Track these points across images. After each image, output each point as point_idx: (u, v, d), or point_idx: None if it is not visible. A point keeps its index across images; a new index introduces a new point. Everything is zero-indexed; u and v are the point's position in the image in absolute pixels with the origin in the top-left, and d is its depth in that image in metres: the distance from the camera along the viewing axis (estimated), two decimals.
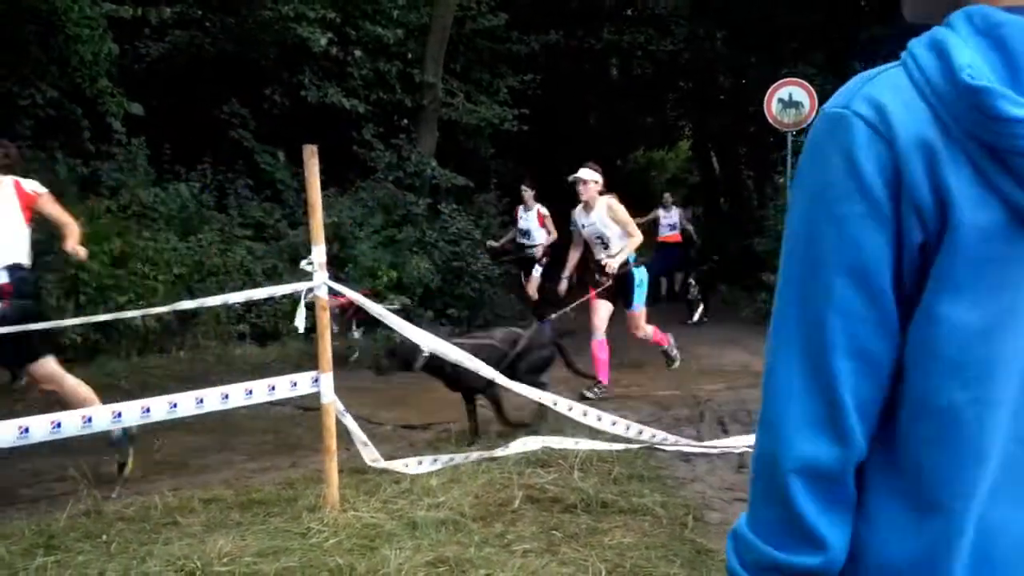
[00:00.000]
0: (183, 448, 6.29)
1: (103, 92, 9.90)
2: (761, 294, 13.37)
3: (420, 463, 5.04)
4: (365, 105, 13.71)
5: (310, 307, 4.37)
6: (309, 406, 6.78)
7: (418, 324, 11.45)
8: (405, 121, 14.49)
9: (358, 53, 13.66)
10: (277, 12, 12.43)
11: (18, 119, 9.94)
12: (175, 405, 3.91)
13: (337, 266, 11.05)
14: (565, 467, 4.98)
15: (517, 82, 16.39)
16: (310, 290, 4.25)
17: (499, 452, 5.17)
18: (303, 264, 4.25)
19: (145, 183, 10.94)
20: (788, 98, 14.23)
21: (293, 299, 4.66)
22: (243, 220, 11.90)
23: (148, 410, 3.83)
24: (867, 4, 18.65)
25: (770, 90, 14.42)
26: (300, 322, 4.33)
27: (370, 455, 4.99)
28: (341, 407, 4.54)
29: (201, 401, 4.00)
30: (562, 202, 21.92)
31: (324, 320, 4.23)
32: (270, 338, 10.57)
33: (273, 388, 4.21)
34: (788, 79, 14.71)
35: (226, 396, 4.08)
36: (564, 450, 5.27)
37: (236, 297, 4.66)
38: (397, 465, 5.01)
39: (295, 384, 4.27)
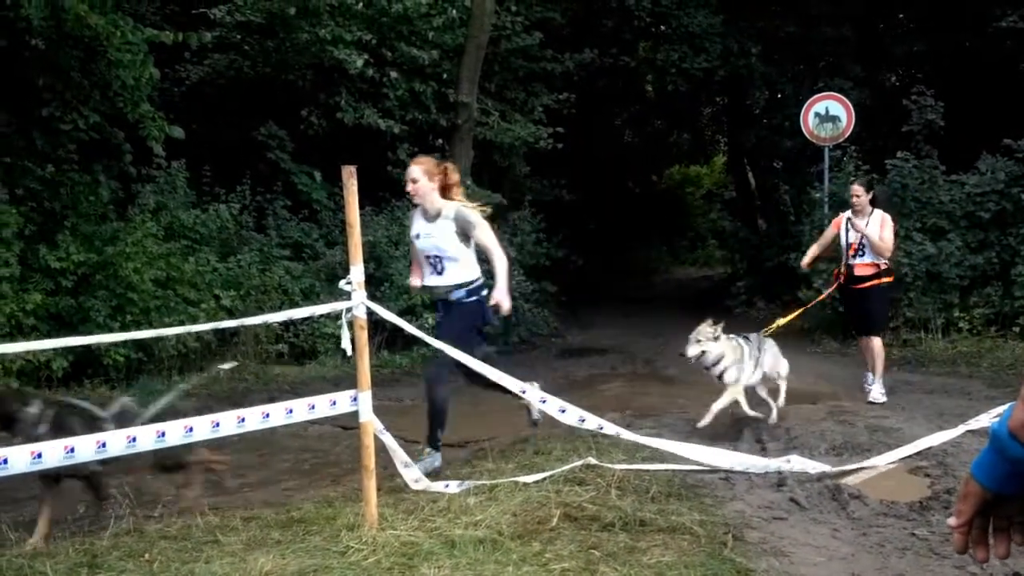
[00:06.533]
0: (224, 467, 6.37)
1: (144, 116, 10.06)
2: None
3: (461, 484, 5.05)
4: (400, 125, 13.82)
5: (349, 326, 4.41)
6: (347, 425, 6.84)
7: None
8: (440, 141, 14.58)
9: (394, 74, 13.78)
10: (314, 35, 12.61)
11: (61, 143, 10.14)
12: (217, 424, 3.96)
13: (373, 285, 11.13)
14: (603, 485, 4.95)
15: (552, 100, 16.42)
16: (349, 310, 4.28)
17: (535, 477, 5.15)
18: (342, 284, 4.28)
19: (185, 205, 11.10)
20: (825, 112, 14.12)
21: (332, 318, 4.70)
22: (281, 240, 12.03)
23: (191, 429, 3.89)
24: (904, 17, 18.54)
25: (807, 104, 14.33)
26: (347, 344, 4.34)
27: (412, 475, 5.01)
28: (380, 426, 4.57)
29: (243, 420, 4.04)
30: (596, 218, 21.98)
31: (363, 339, 4.26)
32: (308, 357, 10.68)
33: (313, 407, 4.24)
34: (825, 93, 14.61)
35: (267, 415, 4.12)
36: (601, 468, 5.25)
37: (277, 317, 4.71)
38: (438, 486, 5.03)
39: (334, 403, 4.30)
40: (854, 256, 8.39)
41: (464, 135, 14.58)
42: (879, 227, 8.28)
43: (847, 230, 8.50)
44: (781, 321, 8.25)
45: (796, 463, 5.49)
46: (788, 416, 7.40)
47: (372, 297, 4.59)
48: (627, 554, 4.03)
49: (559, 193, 18.26)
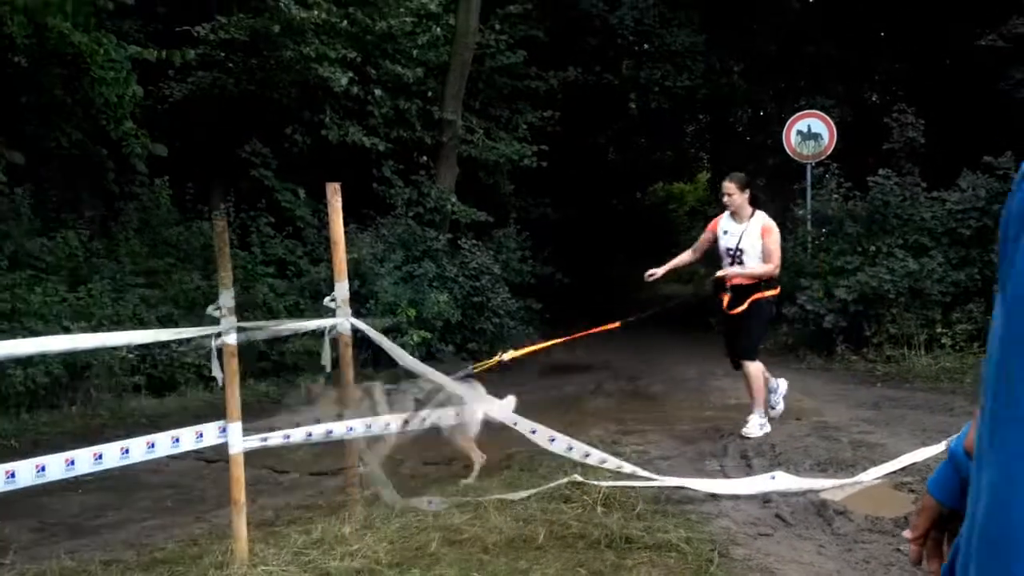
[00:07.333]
0: (78, 508, 6.02)
1: (127, 134, 9.99)
2: (782, 327, 13.29)
3: (444, 501, 5.03)
4: (385, 143, 13.81)
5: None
6: (212, 458, 6.51)
7: (440, 359, 11.58)
8: (425, 158, 14.60)
9: (378, 92, 13.80)
10: (299, 53, 12.60)
11: (45, 161, 10.05)
12: (72, 462, 3.55)
13: (358, 302, 11.09)
14: (588, 502, 4.88)
15: (536, 118, 16.44)
16: (333, 327, 4.24)
17: (521, 494, 5.11)
18: (326, 301, 4.25)
19: (168, 222, 10.98)
20: (807, 130, 14.21)
21: (193, 347, 4.55)
22: (265, 257, 11.95)
23: (43, 469, 3.49)
24: (885, 36, 18.73)
25: (789, 122, 14.43)
26: (326, 359, 4.28)
27: (391, 496, 4.95)
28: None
29: (100, 457, 3.62)
30: (580, 235, 22.02)
31: (232, 366, 4.00)
32: (167, 388, 10.10)
33: (177, 440, 3.89)
34: (807, 111, 14.72)
35: (126, 451, 3.72)
36: (587, 485, 5.20)
37: (261, 334, 4.66)
38: (419, 502, 5.00)
39: (201, 435, 3.95)
40: (732, 264, 7.23)
41: (449, 152, 14.59)
42: (759, 237, 7.11)
43: (724, 233, 7.32)
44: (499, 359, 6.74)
45: (781, 480, 5.49)
46: (773, 432, 7.40)
47: (357, 314, 4.56)
48: (613, 572, 4.00)
49: (544, 211, 18.31)
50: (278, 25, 12.43)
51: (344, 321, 4.22)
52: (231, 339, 3.97)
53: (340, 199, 4.17)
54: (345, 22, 12.90)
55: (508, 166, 15.91)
